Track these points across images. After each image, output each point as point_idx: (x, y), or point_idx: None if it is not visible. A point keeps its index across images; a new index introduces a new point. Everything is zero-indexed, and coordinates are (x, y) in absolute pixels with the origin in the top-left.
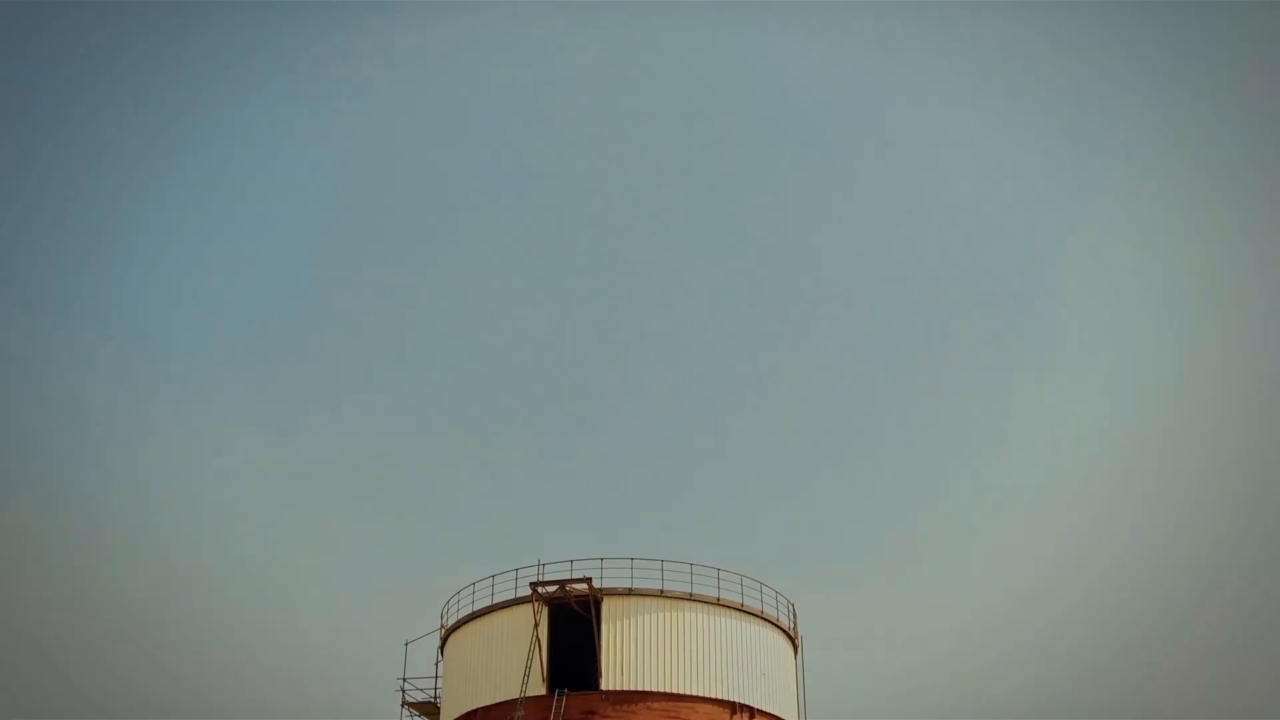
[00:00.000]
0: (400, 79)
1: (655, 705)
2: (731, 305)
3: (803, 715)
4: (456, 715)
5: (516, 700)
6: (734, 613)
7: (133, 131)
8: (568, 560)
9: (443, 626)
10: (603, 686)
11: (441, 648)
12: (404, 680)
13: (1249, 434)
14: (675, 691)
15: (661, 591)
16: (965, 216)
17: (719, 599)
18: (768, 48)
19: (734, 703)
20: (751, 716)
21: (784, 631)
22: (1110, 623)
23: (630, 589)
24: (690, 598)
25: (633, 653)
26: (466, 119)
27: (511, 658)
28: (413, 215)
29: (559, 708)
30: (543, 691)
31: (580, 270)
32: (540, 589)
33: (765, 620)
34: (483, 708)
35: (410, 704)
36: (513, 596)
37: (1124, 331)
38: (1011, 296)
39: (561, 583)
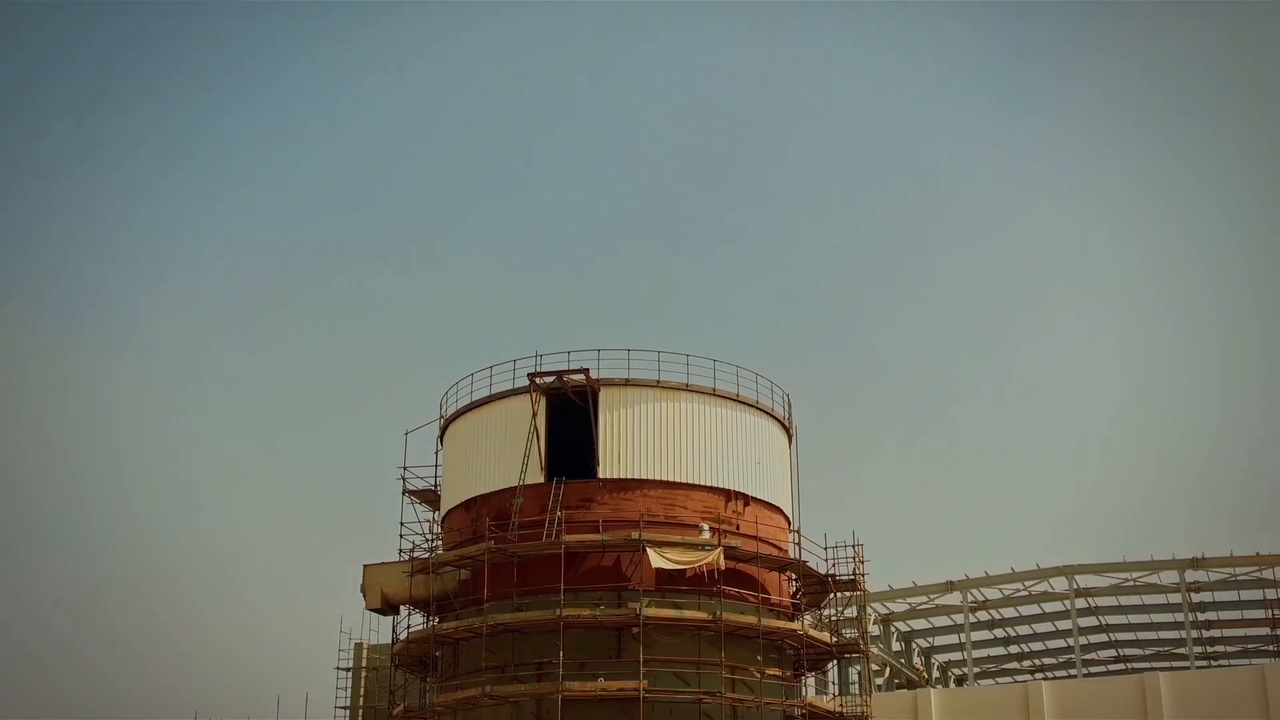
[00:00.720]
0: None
1: (651, 493)
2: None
3: (796, 504)
4: (456, 503)
5: (515, 488)
6: (729, 403)
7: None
8: (565, 352)
9: (442, 417)
10: (600, 475)
11: (441, 437)
12: (404, 469)
13: None
14: (671, 480)
15: (658, 382)
16: None
17: (715, 389)
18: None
19: (729, 490)
20: (746, 504)
21: (779, 421)
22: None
23: (627, 379)
24: (686, 388)
25: (629, 442)
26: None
27: (510, 447)
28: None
29: (557, 495)
30: (541, 480)
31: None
32: (538, 380)
33: (760, 410)
34: (482, 495)
35: (411, 492)
36: (511, 387)
37: None
38: None
39: (559, 373)
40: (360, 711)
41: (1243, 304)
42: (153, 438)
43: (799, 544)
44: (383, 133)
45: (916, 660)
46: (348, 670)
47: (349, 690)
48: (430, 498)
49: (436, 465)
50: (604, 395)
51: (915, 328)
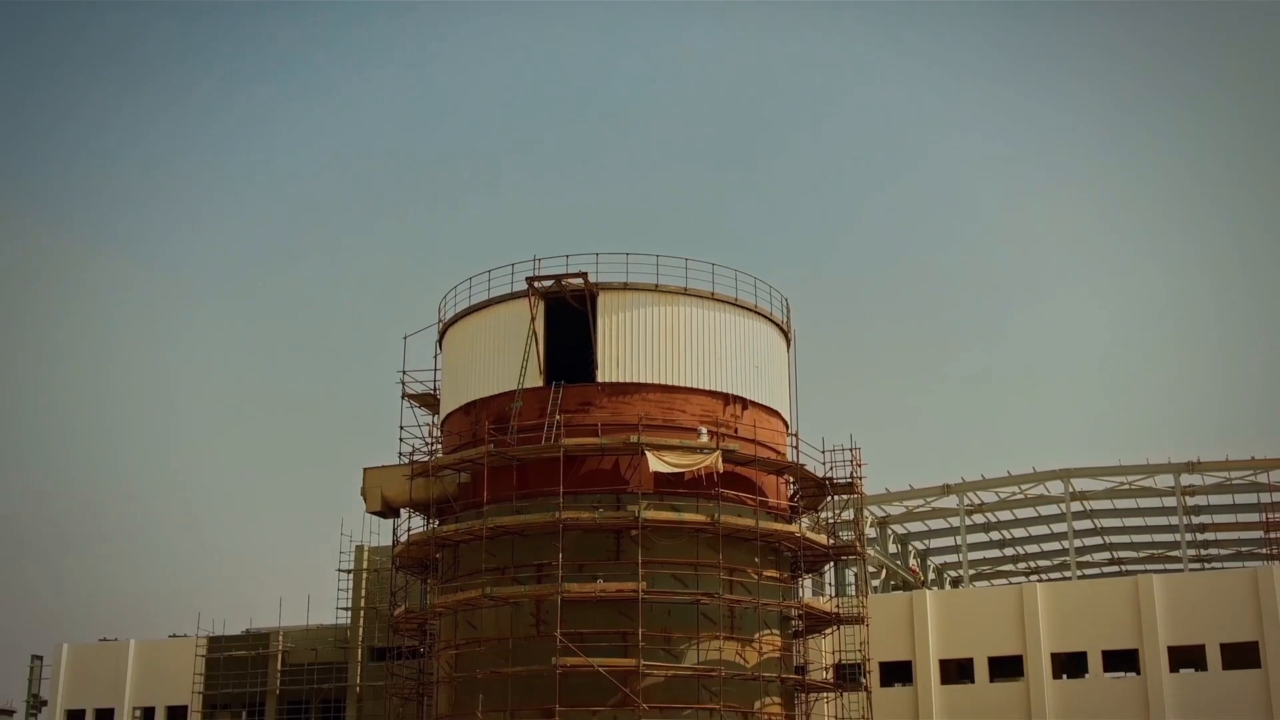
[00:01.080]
0: None
1: (650, 397)
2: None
3: (794, 408)
4: (455, 406)
5: (514, 392)
6: (728, 307)
7: None
8: (563, 255)
9: (440, 321)
10: (599, 379)
11: (440, 342)
12: (404, 373)
13: None
14: (669, 383)
15: (656, 285)
16: None
17: (713, 293)
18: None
19: (727, 394)
20: (744, 408)
21: (777, 325)
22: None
23: (625, 283)
24: (685, 292)
25: (628, 346)
26: None
27: (509, 351)
28: None
29: (556, 399)
30: (540, 383)
31: None
32: (536, 283)
33: (759, 314)
34: (481, 399)
35: (410, 396)
36: (509, 291)
37: None
38: None
39: (557, 277)
40: (362, 613)
41: (1244, 209)
42: (158, 347)
43: (797, 447)
44: (390, 47)
45: (912, 562)
46: (349, 572)
47: (350, 592)
48: (430, 402)
49: (436, 369)
50: (602, 299)
51: (914, 233)
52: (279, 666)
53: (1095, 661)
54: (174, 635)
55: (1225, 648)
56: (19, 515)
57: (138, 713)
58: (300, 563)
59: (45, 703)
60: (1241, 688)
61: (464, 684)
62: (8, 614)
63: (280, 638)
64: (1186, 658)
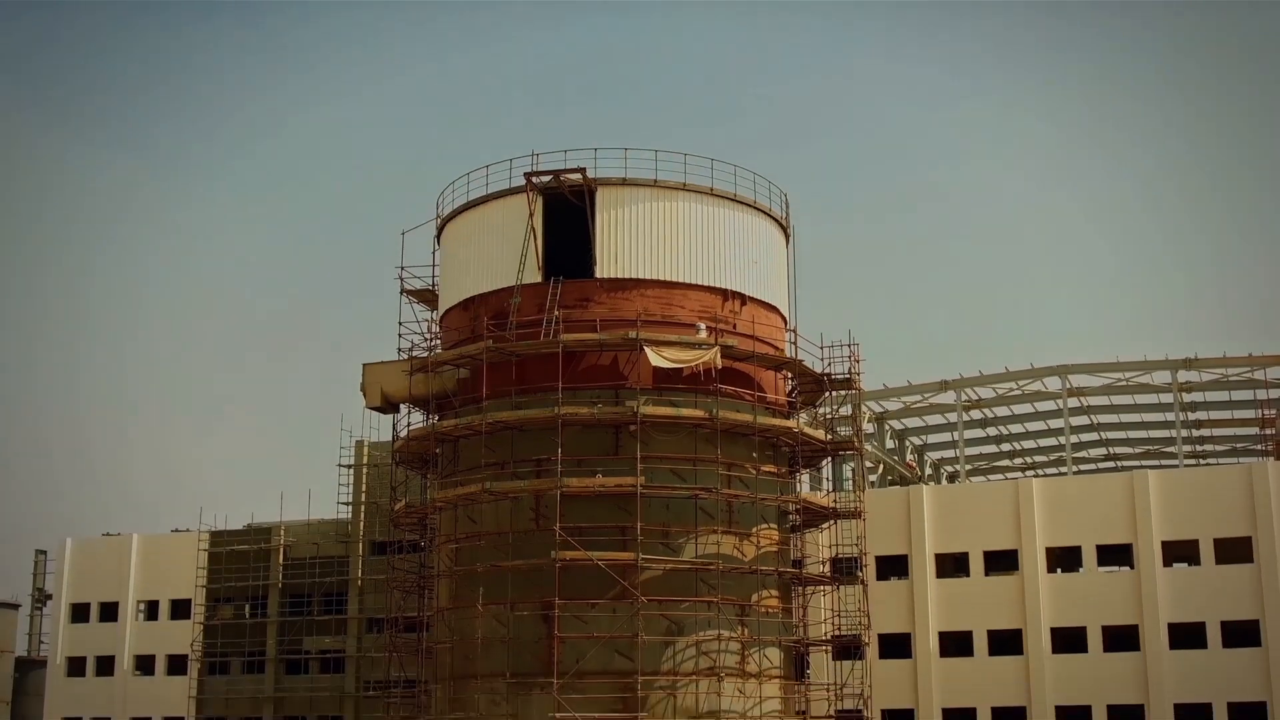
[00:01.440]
0: None
1: (649, 292)
2: None
3: (793, 304)
4: (454, 302)
5: (513, 287)
6: (727, 202)
7: None
8: (562, 151)
9: (439, 216)
10: (597, 274)
11: (438, 237)
12: (402, 269)
13: None
14: (668, 279)
15: (655, 181)
16: None
17: (712, 189)
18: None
19: (726, 290)
20: (743, 304)
21: (776, 221)
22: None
23: (624, 179)
24: (684, 187)
25: (627, 241)
26: None
27: (507, 247)
28: None
29: (554, 294)
30: (538, 279)
31: None
32: (535, 179)
33: (758, 210)
34: (480, 295)
35: (409, 292)
36: (507, 187)
37: None
38: None
39: (556, 172)
40: (362, 508)
41: (1246, 106)
42: (161, 246)
43: (795, 343)
44: None
45: (909, 457)
46: (349, 467)
47: (351, 487)
48: (428, 297)
49: (434, 265)
50: (601, 195)
51: (915, 132)
52: (281, 560)
53: (1089, 556)
54: (176, 530)
55: (1218, 543)
56: (23, 411)
57: (142, 606)
58: (301, 458)
59: (50, 596)
60: (1233, 582)
61: (464, 577)
62: (11, 509)
63: (282, 532)
64: (1180, 552)
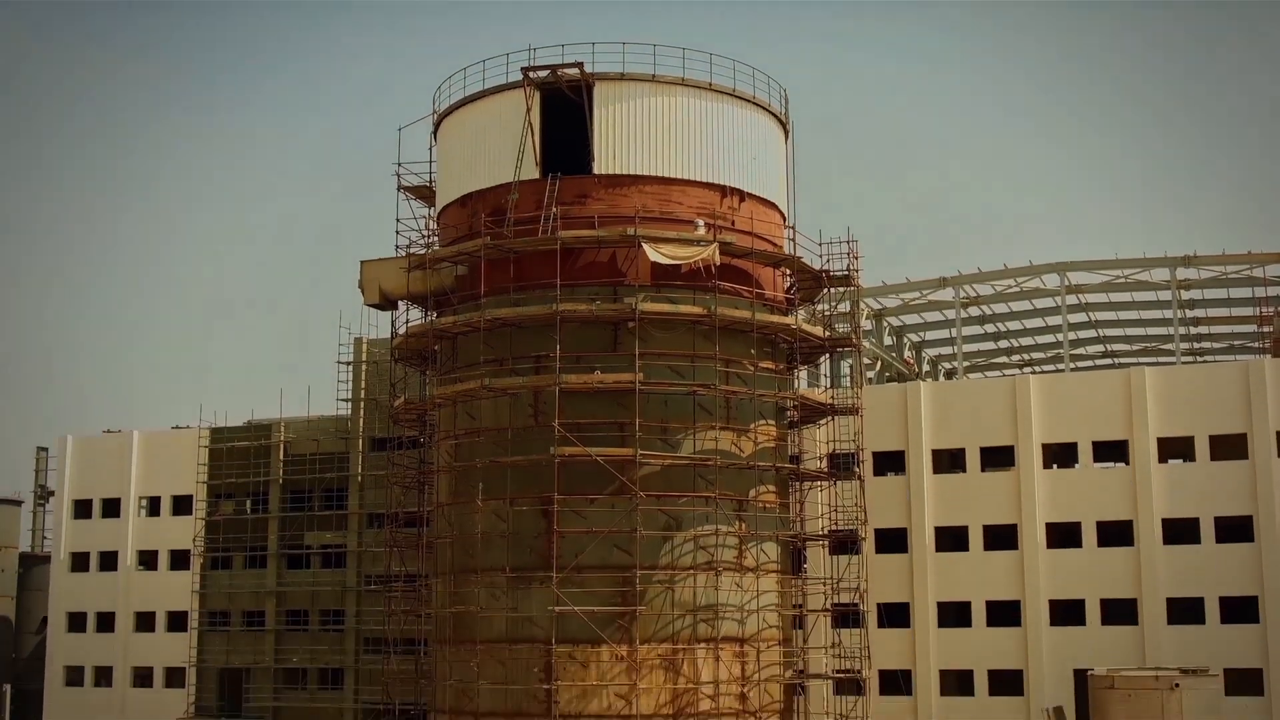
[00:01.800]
0: None
1: (647, 189)
2: None
3: (792, 200)
4: (452, 199)
5: (511, 184)
6: (726, 98)
7: None
8: (559, 45)
9: (435, 112)
10: (595, 171)
11: (435, 133)
12: (399, 165)
13: None
14: (666, 175)
15: (654, 76)
16: None
17: (711, 84)
18: None
19: (724, 186)
20: (741, 201)
21: (775, 117)
22: None
23: (622, 73)
24: (682, 83)
25: (625, 137)
26: None
27: (505, 143)
28: None
29: (552, 191)
30: (536, 176)
31: None
32: (531, 74)
33: (756, 105)
34: (478, 191)
35: (406, 188)
36: (504, 82)
37: None
38: None
39: (553, 67)
40: (362, 404)
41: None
42: (161, 145)
43: (794, 240)
44: None
45: (907, 354)
46: (348, 364)
47: (350, 384)
48: (426, 194)
49: (431, 161)
50: (599, 90)
51: (914, 28)
52: (281, 456)
53: (1085, 452)
54: (177, 427)
55: (1214, 439)
56: (22, 308)
57: (143, 502)
58: (300, 356)
59: (52, 493)
60: (1228, 478)
61: (464, 473)
62: (12, 407)
63: (282, 428)
64: (1175, 449)
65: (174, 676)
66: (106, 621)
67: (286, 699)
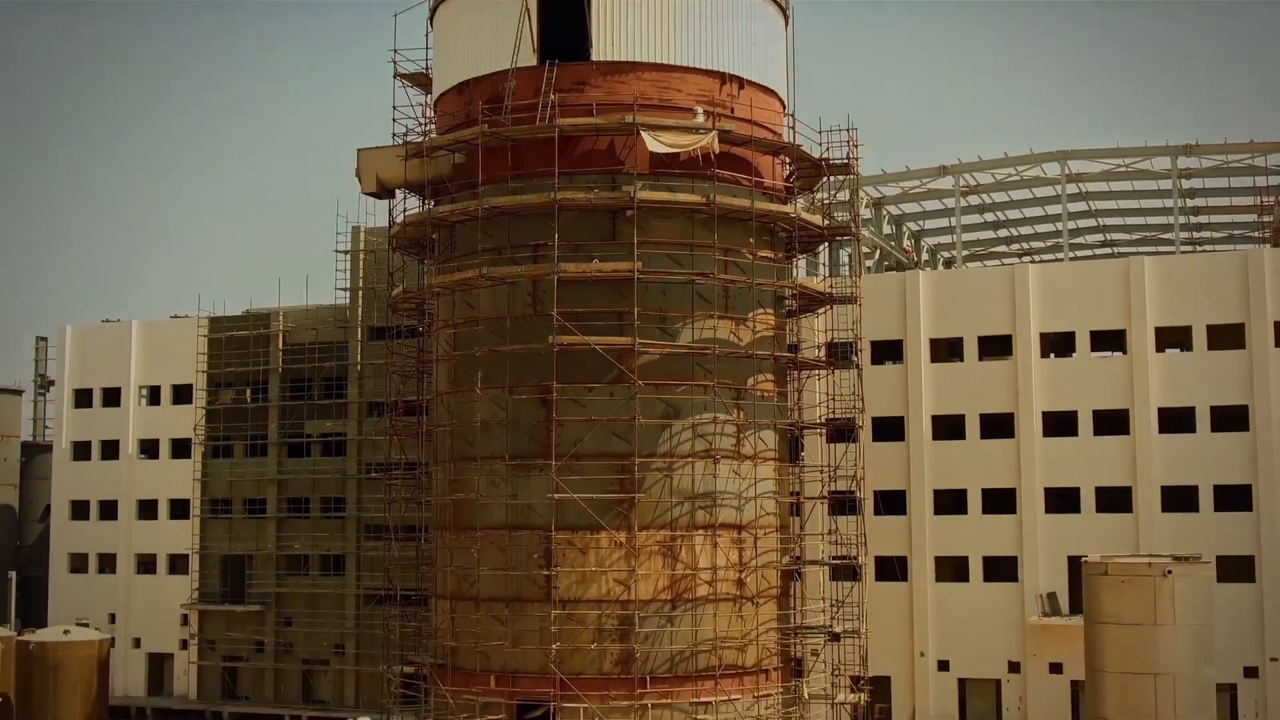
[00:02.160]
0: None
1: (645, 76)
2: None
3: (792, 88)
4: (448, 86)
5: (508, 71)
6: None
7: None
8: None
9: None
10: (593, 57)
11: (431, 19)
12: (395, 52)
13: None
14: (665, 62)
15: None
16: None
17: None
18: None
19: (723, 74)
20: (740, 88)
21: (775, 2)
22: None
23: None
24: None
25: (623, 24)
26: None
27: (501, 29)
28: None
29: (550, 78)
30: (534, 63)
31: None
32: None
33: None
34: (474, 78)
35: (402, 76)
36: None
37: None
38: None
39: None
40: (360, 293)
41: None
42: (160, 38)
43: (793, 128)
44: None
45: (906, 243)
46: (346, 253)
47: (348, 273)
48: (423, 81)
49: (428, 48)
50: None
51: None
52: (280, 346)
53: (1083, 341)
54: (175, 316)
55: (1211, 329)
56: (20, 197)
57: (144, 391)
58: (298, 245)
59: (52, 382)
60: (1225, 366)
61: (463, 362)
62: (11, 296)
63: (281, 317)
64: (1173, 339)
65: (177, 563)
66: (109, 509)
67: (289, 585)
